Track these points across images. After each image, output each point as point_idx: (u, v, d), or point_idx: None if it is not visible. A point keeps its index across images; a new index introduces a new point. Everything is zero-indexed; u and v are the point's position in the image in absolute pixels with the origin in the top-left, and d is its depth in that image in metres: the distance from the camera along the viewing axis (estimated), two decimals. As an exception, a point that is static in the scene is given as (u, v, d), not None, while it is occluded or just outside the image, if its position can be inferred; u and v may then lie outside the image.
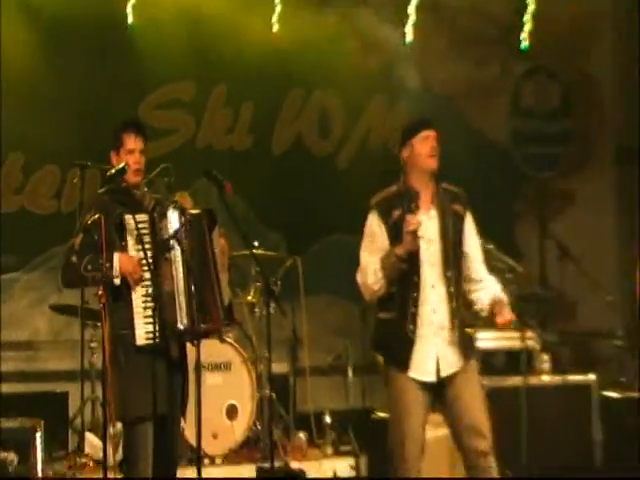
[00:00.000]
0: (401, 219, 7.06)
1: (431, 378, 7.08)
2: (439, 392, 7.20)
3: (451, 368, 7.10)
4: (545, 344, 9.97)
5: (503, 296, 7.27)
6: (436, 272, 7.17)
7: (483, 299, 7.26)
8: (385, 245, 7.10)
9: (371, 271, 7.12)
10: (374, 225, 7.25)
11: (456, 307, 7.19)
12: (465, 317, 7.29)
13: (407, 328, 7.09)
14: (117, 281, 7.02)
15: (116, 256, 7.04)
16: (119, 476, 7.57)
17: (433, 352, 7.14)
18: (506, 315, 7.15)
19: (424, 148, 7.23)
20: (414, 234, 6.91)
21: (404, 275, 7.08)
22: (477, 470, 7.17)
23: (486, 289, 7.32)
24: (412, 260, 7.08)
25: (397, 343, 7.18)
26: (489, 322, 8.65)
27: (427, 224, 7.15)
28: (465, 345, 7.19)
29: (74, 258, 7.15)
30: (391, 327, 7.21)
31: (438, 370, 7.09)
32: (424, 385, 7.13)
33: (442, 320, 7.14)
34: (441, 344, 7.16)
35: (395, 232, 7.08)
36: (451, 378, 7.15)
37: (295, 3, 10.97)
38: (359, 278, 7.22)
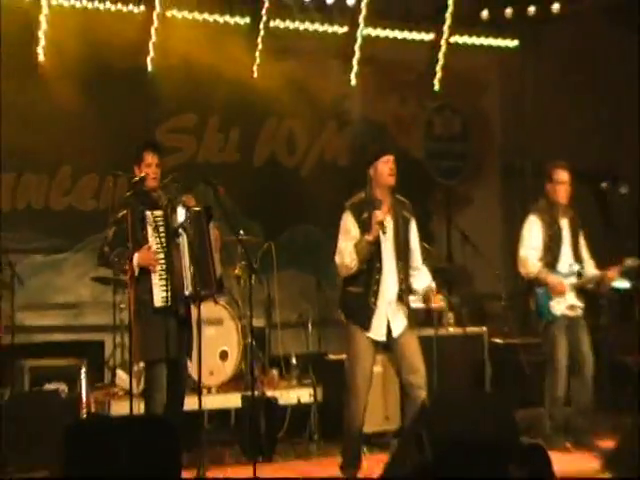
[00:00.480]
0: (368, 218, 7.37)
1: (383, 339, 7.53)
2: (389, 344, 7.60)
3: (398, 330, 7.51)
4: (450, 305, 10.07)
5: (433, 285, 7.74)
6: (391, 262, 7.53)
7: (418, 283, 7.69)
8: (357, 236, 7.37)
9: (347, 253, 7.40)
10: (349, 222, 7.55)
11: (404, 288, 7.57)
12: (408, 295, 7.65)
13: (369, 300, 7.50)
14: (137, 271, 7.18)
15: (136, 256, 7.16)
16: (141, 402, 7.57)
17: (385, 319, 7.52)
18: (436, 301, 7.77)
19: (385, 169, 7.54)
20: (381, 224, 7.29)
21: (369, 263, 7.42)
22: (410, 398, 7.59)
23: (420, 275, 7.75)
24: (375, 252, 7.45)
25: (361, 310, 7.53)
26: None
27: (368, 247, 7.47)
28: (408, 315, 7.57)
29: (106, 248, 7.36)
30: (357, 298, 7.56)
31: (389, 332, 7.46)
32: (375, 341, 7.47)
33: (393, 296, 7.52)
34: (392, 313, 7.53)
35: (364, 228, 7.42)
36: (398, 336, 7.45)
37: (270, 57, 10.98)
38: (337, 259, 7.51)
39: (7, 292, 7.41)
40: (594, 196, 10.47)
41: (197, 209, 7.58)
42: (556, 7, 12.02)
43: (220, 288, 7.81)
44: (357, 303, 7.56)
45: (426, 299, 7.77)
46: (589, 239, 9.10)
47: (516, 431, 6.80)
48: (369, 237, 7.35)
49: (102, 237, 7.55)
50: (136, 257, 7.25)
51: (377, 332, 7.53)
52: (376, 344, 7.63)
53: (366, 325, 7.50)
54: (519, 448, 5.69)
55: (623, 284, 9.15)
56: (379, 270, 7.51)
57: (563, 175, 8.90)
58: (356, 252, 7.36)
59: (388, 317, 7.56)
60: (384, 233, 7.41)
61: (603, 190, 9.71)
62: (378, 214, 7.35)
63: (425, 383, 7.59)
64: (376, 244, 7.42)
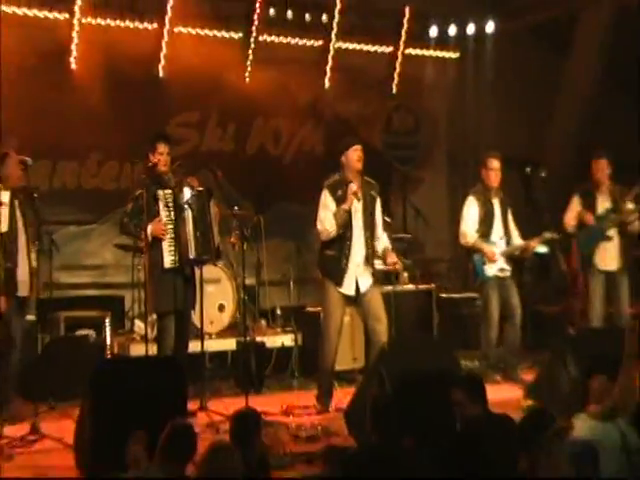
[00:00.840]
0: (343, 195, 7.50)
1: (352, 293, 7.59)
2: (357, 298, 7.68)
3: (365, 287, 7.58)
4: (405, 266, 10.07)
5: (390, 247, 7.83)
6: (360, 231, 7.61)
7: (379, 247, 7.77)
8: (334, 209, 7.47)
9: (328, 221, 7.50)
10: (327, 199, 7.63)
11: (370, 252, 7.66)
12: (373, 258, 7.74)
13: (342, 262, 7.57)
14: (150, 238, 7.19)
15: (149, 226, 7.18)
16: (154, 346, 7.56)
17: (354, 278, 7.59)
18: (392, 258, 7.75)
19: (354, 156, 7.59)
20: (355, 194, 7.47)
21: (342, 232, 7.50)
22: (373, 342, 7.71)
23: (381, 241, 7.81)
24: (348, 223, 7.53)
25: (335, 270, 7.59)
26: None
27: (356, 203, 7.54)
28: (373, 274, 7.69)
29: (126, 219, 7.38)
30: (332, 260, 7.61)
31: (357, 288, 7.50)
32: (345, 296, 7.51)
33: (361, 259, 7.61)
34: (360, 273, 7.60)
35: (339, 202, 7.52)
36: (365, 292, 7.46)
37: (259, 66, 10.90)
38: (319, 226, 7.60)
39: (46, 257, 7.37)
40: (520, 179, 10.49)
41: (200, 189, 7.59)
42: (490, 26, 12.03)
43: (218, 254, 7.85)
44: (332, 264, 7.62)
45: (384, 257, 7.84)
46: (516, 215, 9.15)
47: (458, 367, 6.85)
48: (345, 206, 7.47)
49: (122, 211, 7.54)
50: (149, 227, 7.28)
51: (348, 288, 7.61)
52: (346, 298, 7.69)
53: (339, 282, 7.59)
54: (460, 377, 5.72)
55: (543, 250, 9.18)
56: (350, 238, 7.59)
57: (495, 163, 8.93)
58: (335, 219, 7.47)
59: (357, 276, 7.63)
60: (359, 201, 7.55)
61: (527, 174, 9.73)
62: (353, 186, 7.50)
63: (386, 330, 7.64)
64: (349, 216, 7.50)
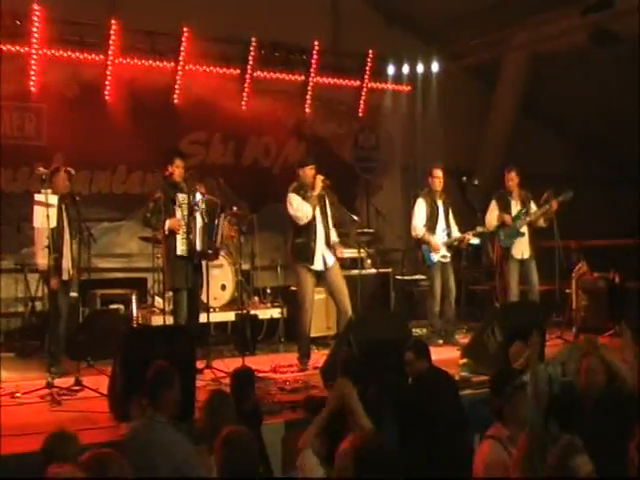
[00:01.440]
0: (304, 196, 7.59)
1: (321, 268, 7.52)
2: (324, 276, 7.63)
3: (330, 262, 7.59)
4: (369, 254, 10.11)
5: (337, 241, 7.84)
6: (320, 222, 7.68)
7: (332, 236, 7.83)
8: (300, 202, 7.53)
9: (305, 206, 7.60)
10: (295, 197, 7.64)
11: (328, 238, 7.68)
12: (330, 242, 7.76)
13: (311, 244, 7.53)
14: (166, 232, 7.16)
15: (167, 222, 7.15)
16: (170, 317, 7.54)
17: (321, 255, 7.59)
18: (340, 252, 7.77)
19: (308, 174, 7.65)
20: (323, 181, 7.65)
21: (308, 223, 7.54)
22: (341, 310, 7.79)
23: (332, 233, 7.82)
24: (313, 216, 7.54)
25: (305, 252, 7.55)
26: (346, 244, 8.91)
27: (314, 200, 7.48)
28: (334, 254, 7.61)
29: (148, 214, 7.33)
30: (302, 245, 7.59)
31: (325, 263, 7.45)
32: (316, 273, 7.44)
33: (323, 243, 7.61)
34: (325, 252, 7.46)
35: (303, 198, 7.58)
36: (329, 268, 7.42)
37: (253, 95, 10.87)
38: (299, 214, 7.61)
39: (85, 246, 7.35)
40: (458, 186, 10.49)
41: (215, 201, 7.60)
42: (435, 66, 12.05)
43: (217, 254, 7.88)
44: (302, 248, 7.63)
45: (334, 250, 7.82)
46: (455, 213, 9.19)
47: (409, 334, 6.89)
48: (315, 192, 7.58)
49: (144, 209, 7.55)
50: (168, 222, 7.27)
51: (317, 264, 7.63)
52: (316, 275, 7.70)
53: (310, 260, 7.59)
54: (410, 342, 5.74)
55: (476, 241, 9.22)
56: (315, 226, 7.65)
57: (438, 172, 8.97)
58: (310, 203, 7.56)
59: (323, 253, 7.67)
60: (326, 188, 7.67)
61: (463, 182, 9.75)
62: (320, 177, 7.64)
63: (348, 298, 7.71)
64: (313, 208, 7.62)
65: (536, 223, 9.06)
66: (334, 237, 7.92)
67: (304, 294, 7.72)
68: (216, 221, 7.57)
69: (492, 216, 9.15)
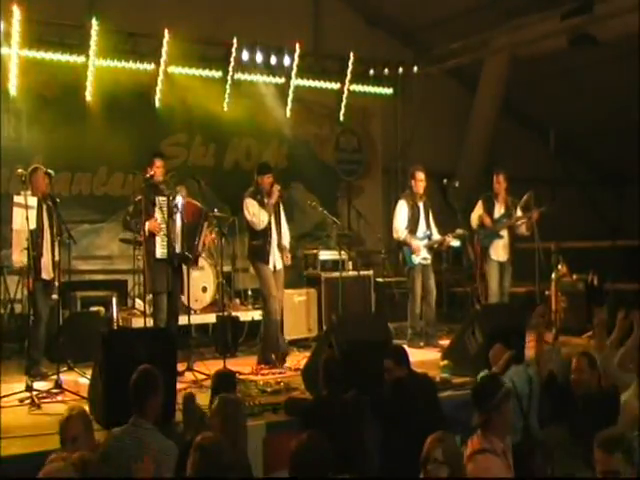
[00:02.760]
0: (261, 202, 7.80)
1: (272, 269, 7.69)
2: (274, 274, 7.80)
3: (279, 266, 7.80)
4: (350, 257, 10.11)
5: (287, 246, 8.04)
6: (274, 226, 7.89)
7: (284, 240, 8.03)
8: (258, 208, 7.76)
9: (262, 214, 7.75)
10: (251, 202, 7.83)
11: (280, 241, 7.89)
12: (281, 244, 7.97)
13: (266, 247, 7.75)
14: (146, 234, 7.09)
15: (147, 224, 7.14)
16: (151, 319, 7.51)
17: (274, 258, 7.80)
18: (285, 260, 7.98)
19: (266, 182, 7.80)
20: (280, 191, 7.86)
21: (265, 228, 7.75)
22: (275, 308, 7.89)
23: (285, 236, 8.06)
24: (269, 222, 7.76)
25: (262, 253, 7.75)
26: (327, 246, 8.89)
27: (270, 208, 7.81)
28: (282, 257, 7.87)
29: (128, 217, 7.32)
30: (259, 247, 7.78)
31: (275, 266, 7.67)
32: (273, 271, 7.68)
33: (276, 246, 7.82)
34: (276, 255, 7.78)
35: (259, 203, 7.83)
36: (277, 271, 7.78)
37: (234, 97, 10.84)
38: (255, 219, 7.80)
39: (65, 248, 7.30)
40: (438, 188, 10.55)
41: (199, 207, 7.67)
42: (416, 69, 12.11)
43: (196, 261, 7.88)
44: (259, 250, 7.81)
45: (283, 254, 7.98)
46: (435, 216, 9.23)
47: (390, 336, 6.91)
48: (272, 200, 7.78)
49: (125, 211, 7.53)
50: (147, 224, 7.26)
51: (272, 265, 7.82)
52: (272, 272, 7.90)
53: (267, 260, 7.79)
54: (389, 349, 5.75)
55: (456, 243, 9.27)
56: (270, 230, 7.82)
57: (420, 175, 8.99)
58: (266, 211, 7.74)
59: (275, 258, 7.86)
60: (282, 198, 7.93)
61: (444, 184, 9.80)
62: (278, 186, 7.81)
63: (281, 304, 7.99)
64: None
65: (517, 229, 9.15)
66: (285, 242, 8.10)
67: (269, 290, 7.81)
68: (199, 227, 7.60)
69: (475, 215, 9.25)
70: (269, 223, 7.83)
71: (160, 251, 7.34)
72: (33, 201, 7.05)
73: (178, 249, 7.42)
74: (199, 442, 3.70)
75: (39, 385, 6.54)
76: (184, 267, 7.60)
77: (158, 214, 7.36)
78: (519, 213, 9.13)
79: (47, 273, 7.22)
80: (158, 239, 7.35)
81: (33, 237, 6.89)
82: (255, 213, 7.77)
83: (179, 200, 7.44)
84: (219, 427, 4.27)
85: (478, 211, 9.25)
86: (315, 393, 5.75)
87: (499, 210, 9.22)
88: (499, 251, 9.14)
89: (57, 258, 7.14)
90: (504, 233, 9.14)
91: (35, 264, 6.95)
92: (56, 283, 7.18)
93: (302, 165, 11.58)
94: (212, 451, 3.63)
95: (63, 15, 9.47)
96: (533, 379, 6.09)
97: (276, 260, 7.88)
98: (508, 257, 9.14)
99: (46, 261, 7.18)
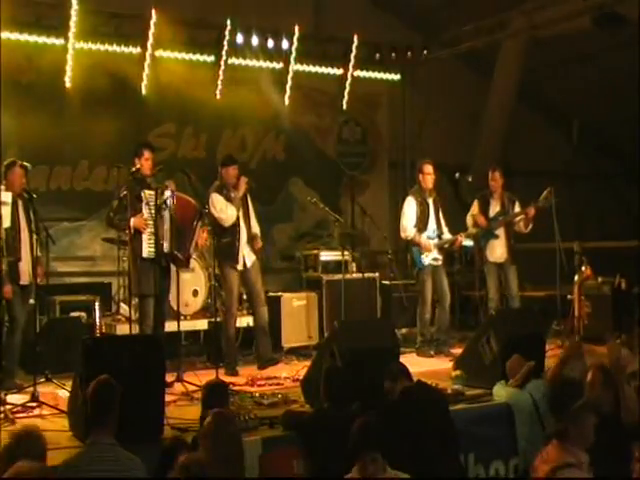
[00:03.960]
0: (227, 196, 7.91)
1: (242, 268, 7.89)
2: (244, 276, 8.07)
3: (250, 262, 7.99)
4: (354, 257, 10.12)
5: (258, 233, 8.23)
6: (242, 221, 8.05)
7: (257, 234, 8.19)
8: (225, 204, 7.88)
9: (229, 208, 7.96)
10: (217, 197, 7.98)
11: (249, 236, 8.05)
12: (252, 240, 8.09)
13: (235, 245, 7.89)
14: (132, 231, 7.15)
15: (131, 220, 7.14)
16: (137, 325, 7.51)
17: (243, 257, 7.95)
18: (257, 244, 8.15)
19: (231, 174, 8.01)
20: (248, 184, 8.01)
21: (233, 224, 7.89)
22: (256, 315, 8.28)
23: (256, 231, 8.21)
24: (237, 216, 7.90)
25: (231, 252, 7.89)
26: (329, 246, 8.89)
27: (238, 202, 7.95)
28: (254, 253, 8.04)
29: (112, 214, 7.32)
30: (228, 245, 7.92)
31: (245, 264, 7.83)
32: (239, 271, 7.88)
33: (245, 241, 7.95)
34: (246, 252, 7.98)
35: (226, 198, 7.96)
36: (249, 269, 7.95)
37: (228, 84, 10.83)
38: (223, 215, 7.94)
39: (43, 249, 7.30)
40: (450, 183, 10.56)
41: (194, 205, 7.70)
42: (425, 53, 12.09)
43: (187, 262, 7.90)
44: (228, 248, 7.92)
45: (254, 242, 8.11)
46: (447, 213, 9.23)
47: (397, 344, 6.89)
48: (239, 194, 7.93)
49: (108, 207, 7.52)
50: (132, 220, 7.25)
51: (240, 263, 7.95)
52: (239, 273, 8.00)
53: (236, 260, 7.92)
54: (389, 369, 5.72)
55: (468, 243, 9.27)
56: (238, 226, 7.96)
57: (429, 168, 9.00)
58: (234, 205, 7.88)
59: (244, 254, 7.96)
60: (249, 190, 8.06)
61: (456, 179, 9.80)
62: (245, 179, 7.98)
63: (264, 300, 8.23)
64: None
65: (515, 227, 9.17)
66: (255, 230, 8.23)
67: (231, 293, 8.04)
68: (192, 226, 7.61)
69: (468, 216, 9.39)
70: (237, 219, 7.95)
71: (147, 250, 7.32)
72: (8, 197, 7.05)
73: (167, 248, 7.41)
74: (183, 462, 3.76)
75: (13, 398, 6.51)
76: (173, 268, 7.59)
77: (145, 210, 7.34)
78: (517, 209, 9.16)
79: (26, 277, 7.20)
80: (145, 237, 7.32)
81: (9, 237, 6.88)
82: (222, 209, 7.90)
83: (168, 195, 7.43)
84: (210, 445, 4.26)
85: (472, 212, 9.32)
86: (315, 406, 5.74)
87: (494, 208, 9.29)
88: (496, 252, 9.18)
89: (37, 255, 7.14)
90: (500, 232, 9.17)
91: (13, 269, 6.94)
92: (39, 280, 7.18)
93: (301, 158, 11.60)
94: (195, 473, 3.70)
95: (40, -7, 9.51)
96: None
97: (246, 256, 8.03)
98: (507, 257, 9.16)
99: (24, 264, 7.15)
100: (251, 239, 8.11)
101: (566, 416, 4.43)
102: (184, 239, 7.57)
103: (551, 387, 5.05)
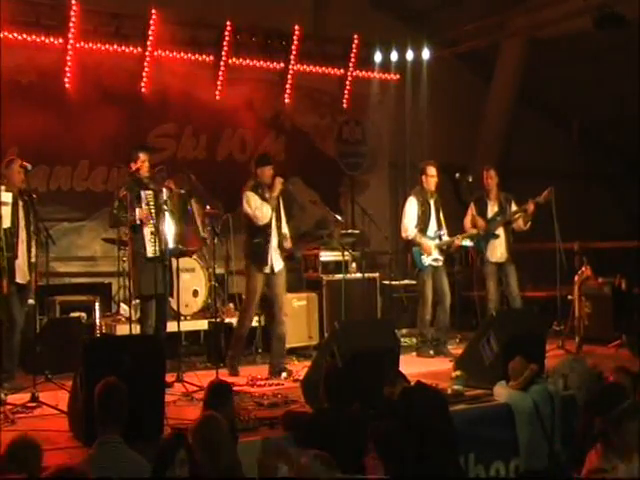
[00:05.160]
0: (262, 196, 7.77)
1: (270, 271, 7.71)
2: (270, 281, 7.88)
3: (278, 267, 7.78)
4: (354, 257, 10.10)
5: (287, 234, 8.04)
6: (274, 222, 7.84)
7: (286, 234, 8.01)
8: (260, 202, 7.71)
9: (265, 207, 7.72)
10: (253, 196, 7.76)
11: (280, 239, 7.86)
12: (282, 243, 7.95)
13: (267, 246, 7.69)
14: (137, 222, 7.20)
15: (137, 210, 7.13)
16: (137, 326, 7.56)
17: (271, 260, 7.74)
18: (288, 244, 8.02)
19: (267, 175, 7.80)
20: (283, 184, 7.84)
21: (265, 224, 7.71)
22: (276, 322, 8.00)
23: (286, 232, 7.99)
24: (271, 218, 7.70)
25: (260, 254, 7.71)
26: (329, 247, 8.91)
27: (273, 202, 7.80)
28: (283, 257, 7.91)
29: (115, 211, 7.24)
30: (258, 246, 7.72)
31: (273, 268, 7.67)
32: (265, 275, 7.71)
33: (276, 244, 7.76)
34: (276, 258, 7.75)
35: (261, 197, 7.78)
36: (276, 274, 7.78)
37: (228, 84, 10.83)
38: (258, 213, 7.71)
39: (43, 249, 7.29)
40: (451, 183, 10.53)
41: (182, 192, 7.65)
42: (426, 53, 12.07)
43: (204, 242, 8.18)
44: (258, 249, 7.76)
45: (284, 241, 7.98)
46: (447, 213, 9.23)
47: (397, 344, 6.88)
48: (274, 194, 7.77)
49: (111, 207, 7.51)
50: (137, 211, 7.31)
51: (268, 267, 7.80)
52: (265, 277, 7.86)
53: (265, 261, 7.77)
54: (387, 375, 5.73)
55: (468, 243, 9.26)
56: (270, 228, 7.78)
57: (432, 171, 9.01)
58: (270, 205, 7.72)
59: (272, 258, 7.82)
60: (285, 189, 7.90)
61: (456, 179, 9.80)
62: (280, 179, 7.80)
63: (283, 309, 8.01)
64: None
65: (514, 225, 9.18)
66: (285, 230, 8.10)
67: (253, 294, 7.88)
68: (189, 209, 7.64)
69: (466, 220, 9.39)
70: (270, 220, 7.80)
71: (150, 249, 7.36)
72: (8, 197, 7.05)
73: (171, 245, 7.47)
74: None
75: (14, 398, 6.49)
76: (174, 268, 7.60)
77: (145, 209, 7.38)
78: (514, 208, 9.17)
79: (22, 276, 7.19)
80: (147, 237, 7.36)
81: (8, 237, 6.88)
82: (257, 207, 7.72)
83: (166, 194, 7.47)
84: (199, 447, 4.30)
85: (470, 214, 9.32)
86: (315, 406, 5.73)
87: (492, 209, 9.29)
88: (496, 252, 9.18)
89: (34, 259, 7.15)
90: (500, 232, 9.17)
91: (9, 266, 6.93)
92: (33, 286, 7.17)
93: (301, 158, 11.58)
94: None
95: (39, -8, 9.51)
96: (554, 396, 6.10)
97: (275, 261, 7.85)
98: (507, 257, 9.16)
99: (21, 263, 7.16)
100: (280, 241, 7.94)
101: (607, 419, 4.34)
102: (187, 229, 7.63)
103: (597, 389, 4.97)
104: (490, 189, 9.26)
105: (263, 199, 7.78)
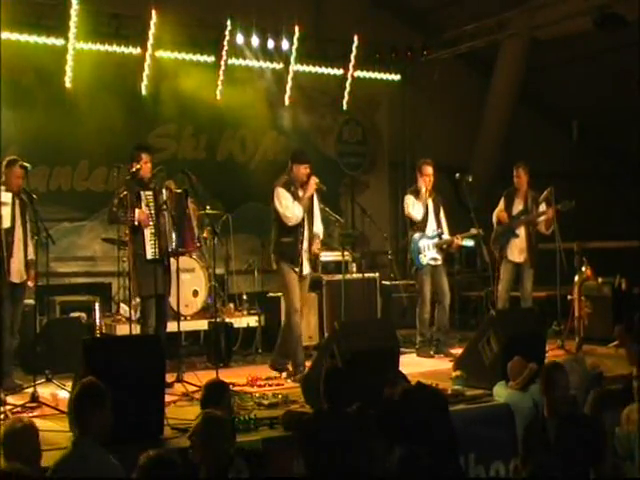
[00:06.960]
0: (294, 193, 7.55)
1: (302, 274, 7.53)
2: (300, 280, 7.60)
3: (306, 271, 7.54)
4: (354, 258, 10.10)
5: (321, 234, 7.87)
6: (306, 223, 7.66)
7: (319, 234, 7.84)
8: (291, 201, 7.37)
9: (296, 207, 7.54)
10: (284, 194, 7.56)
11: (310, 240, 7.65)
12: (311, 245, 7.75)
13: (298, 247, 7.53)
14: (136, 223, 7.15)
15: (137, 211, 7.11)
16: (137, 326, 7.57)
17: (301, 263, 7.60)
18: (317, 245, 7.82)
19: (302, 173, 7.58)
20: (318, 184, 7.65)
21: (297, 225, 7.53)
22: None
23: (318, 231, 7.78)
24: (302, 218, 7.54)
25: (292, 253, 7.54)
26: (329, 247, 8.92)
27: (305, 203, 7.61)
28: (313, 261, 7.85)
29: (114, 209, 7.20)
30: (289, 245, 7.55)
31: (302, 271, 7.43)
32: (300, 276, 7.53)
33: (306, 246, 7.58)
34: (305, 262, 7.53)
35: (293, 196, 7.52)
36: (304, 277, 7.60)
37: (228, 85, 10.84)
38: (289, 213, 7.54)
39: (43, 249, 7.30)
40: (450, 183, 10.52)
41: (179, 191, 7.61)
42: (425, 53, 12.08)
43: (200, 242, 8.01)
44: (289, 249, 7.59)
45: (311, 242, 7.77)
46: (447, 213, 9.21)
47: (397, 344, 6.88)
48: (307, 194, 7.57)
49: (110, 204, 7.46)
50: (137, 212, 7.28)
51: (300, 269, 7.61)
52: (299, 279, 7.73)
53: (297, 262, 7.58)
54: (387, 376, 5.72)
55: (469, 243, 9.25)
56: (302, 227, 7.61)
57: (428, 170, 8.98)
58: (302, 206, 7.52)
59: (304, 260, 7.68)
60: (321, 191, 7.74)
61: (456, 179, 9.78)
62: (315, 179, 7.62)
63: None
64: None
65: (536, 227, 9.15)
66: (317, 230, 7.89)
67: (292, 293, 7.60)
68: (186, 213, 7.60)
69: (495, 212, 9.35)
70: (302, 220, 7.62)
71: (150, 251, 7.34)
72: (8, 197, 7.05)
73: (171, 246, 7.45)
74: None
75: (13, 398, 6.50)
76: (172, 268, 7.59)
77: (145, 210, 7.37)
78: (541, 209, 9.12)
79: (18, 276, 7.17)
80: (147, 238, 7.34)
81: (3, 236, 6.86)
82: (288, 206, 7.52)
83: (165, 195, 7.47)
84: (200, 446, 4.29)
85: (498, 208, 9.30)
86: (316, 406, 5.72)
87: (517, 207, 9.24)
88: (515, 251, 9.15)
89: (31, 257, 7.14)
90: (520, 232, 9.14)
91: (3, 265, 6.91)
92: (30, 284, 7.17)
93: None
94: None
95: (40, -7, 9.50)
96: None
97: (304, 265, 7.66)
98: (526, 259, 9.12)
99: (17, 262, 7.13)
100: (310, 239, 7.71)
101: None
102: (184, 230, 7.59)
103: None
104: (519, 187, 9.23)
105: (294, 197, 7.57)
